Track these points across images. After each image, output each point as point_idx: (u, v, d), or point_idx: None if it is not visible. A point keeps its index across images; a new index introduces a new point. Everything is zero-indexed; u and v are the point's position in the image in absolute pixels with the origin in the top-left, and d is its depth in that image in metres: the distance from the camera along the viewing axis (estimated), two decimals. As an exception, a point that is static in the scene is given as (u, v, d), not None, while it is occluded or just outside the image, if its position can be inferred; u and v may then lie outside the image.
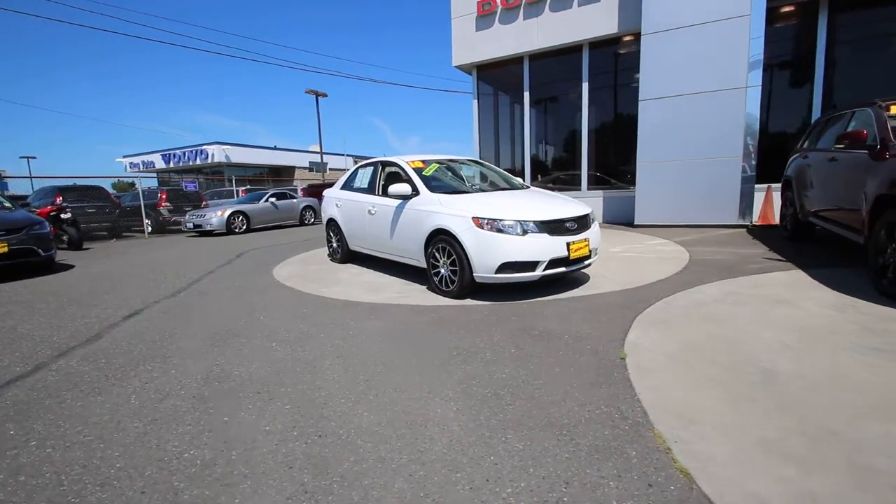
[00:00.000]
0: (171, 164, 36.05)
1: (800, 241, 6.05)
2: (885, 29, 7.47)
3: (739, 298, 3.75)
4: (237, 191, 18.71)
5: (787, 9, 7.54)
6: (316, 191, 17.16)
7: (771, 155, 7.82)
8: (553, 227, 3.96)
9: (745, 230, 7.46)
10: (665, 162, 8.15)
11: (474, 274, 4.01)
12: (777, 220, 7.58)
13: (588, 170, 9.82)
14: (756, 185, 7.65)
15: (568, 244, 3.97)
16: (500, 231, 3.88)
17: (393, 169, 5.32)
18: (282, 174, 37.86)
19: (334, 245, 6.52)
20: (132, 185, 26.56)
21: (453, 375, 2.57)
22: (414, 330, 3.43)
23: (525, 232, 3.86)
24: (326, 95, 28.50)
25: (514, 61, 10.35)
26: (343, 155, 42.84)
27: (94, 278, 6.38)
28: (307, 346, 3.21)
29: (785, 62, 8.11)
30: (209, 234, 12.55)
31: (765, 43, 7.27)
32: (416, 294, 4.51)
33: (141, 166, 37.74)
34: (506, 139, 11.20)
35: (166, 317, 4.13)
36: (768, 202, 7.77)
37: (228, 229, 12.37)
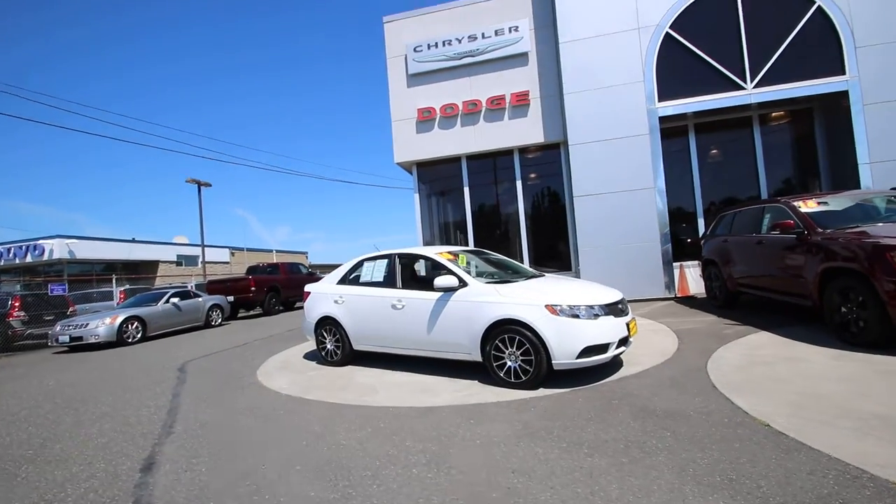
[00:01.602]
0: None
1: (731, 308, 7.41)
2: (728, 145, 10.24)
3: (763, 359, 4.44)
4: (115, 293, 15.60)
5: (670, 126, 9.86)
6: (220, 287, 15.26)
7: (675, 239, 9.66)
8: (614, 309, 4.29)
9: (674, 301, 8.85)
10: (601, 247, 9.45)
11: (553, 361, 4.05)
12: (692, 292, 9.21)
13: (529, 255, 10.77)
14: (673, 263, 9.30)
15: (627, 324, 4.31)
16: (575, 316, 4.06)
17: (419, 261, 5.24)
18: (140, 270, 32.71)
19: (329, 346, 5.88)
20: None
21: (660, 470, 2.53)
22: (543, 430, 3.26)
23: (597, 316, 4.11)
24: (210, 185, 26.54)
25: (453, 160, 11.32)
26: (219, 247, 39.23)
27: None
28: (475, 474, 2.81)
29: (675, 168, 10.40)
30: (88, 347, 10.04)
31: (662, 153, 9.35)
32: (478, 390, 4.30)
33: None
34: (448, 229, 11.78)
35: None
36: (683, 278, 9.43)
37: (119, 339, 10.10)
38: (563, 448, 2.87)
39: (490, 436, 3.17)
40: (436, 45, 10.86)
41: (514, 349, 4.22)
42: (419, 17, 11.17)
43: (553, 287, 4.56)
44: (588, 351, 4.01)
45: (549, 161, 10.95)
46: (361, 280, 5.77)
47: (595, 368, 4.50)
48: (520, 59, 10.53)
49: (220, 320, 13.17)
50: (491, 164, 11.37)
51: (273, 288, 15.89)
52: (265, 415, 4.13)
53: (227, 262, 40.61)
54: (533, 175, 11.12)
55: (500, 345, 4.31)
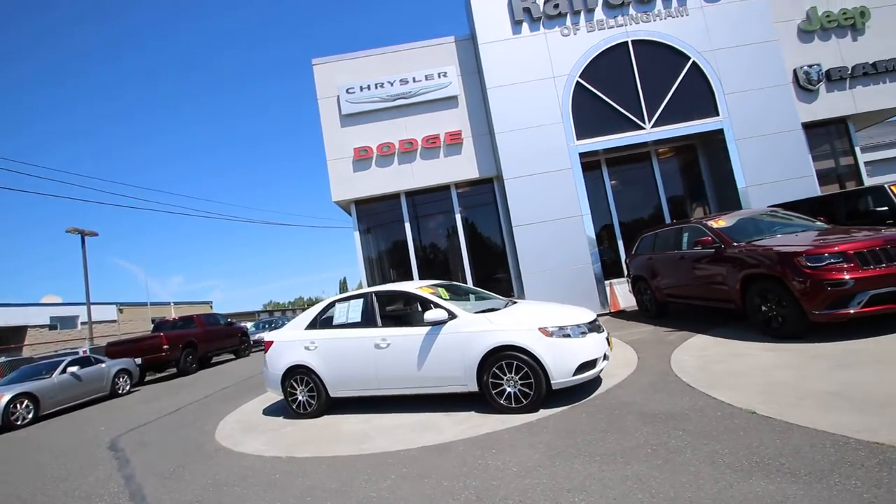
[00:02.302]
0: None
1: (662, 317, 8.34)
2: (634, 175, 11.71)
3: (715, 358, 5.09)
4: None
5: (588, 161, 11.04)
6: (122, 349, 13.28)
7: (601, 259, 10.67)
8: (595, 326, 4.66)
9: (609, 316, 9.70)
10: (543, 271, 10.12)
11: (552, 382, 4.25)
12: (622, 307, 10.19)
13: (472, 283, 11.10)
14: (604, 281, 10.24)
15: (607, 339, 4.70)
16: (567, 336, 4.34)
17: (398, 297, 5.19)
18: (4, 339, 27.20)
19: (302, 397, 5.49)
20: None
21: (696, 465, 2.80)
22: (570, 448, 3.40)
23: (584, 334, 4.44)
24: (97, 234, 23.37)
25: (393, 197, 11.43)
26: (105, 304, 34.22)
27: None
28: (537, 499, 2.81)
29: (595, 196, 11.54)
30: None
31: (585, 184, 10.42)
32: (480, 420, 4.33)
33: None
34: (390, 263, 11.71)
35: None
36: (613, 294, 10.40)
37: (6, 423, 8.30)
38: (599, 461, 3.04)
39: (523, 462, 3.23)
40: (368, 87, 11.10)
41: (513, 374, 4.36)
42: (349, 61, 11.37)
43: (537, 311, 4.83)
44: (582, 368, 4.29)
45: (484, 194, 11.59)
46: (335, 323, 5.54)
47: (581, 385, 4.78)
48: (450, 101, 11.17)
49: (128, 387, 11.43)
50: (429, 199, 11.69)
51: (189, 344, 14.25)
52: (262, 481, 3.72)
53: (114, 321, 35.50)
54: (470, 208, 11.64)
55: (497, 372, 4.42)
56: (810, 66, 11.05)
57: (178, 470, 4.38)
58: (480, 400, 4.77)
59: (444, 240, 11.71)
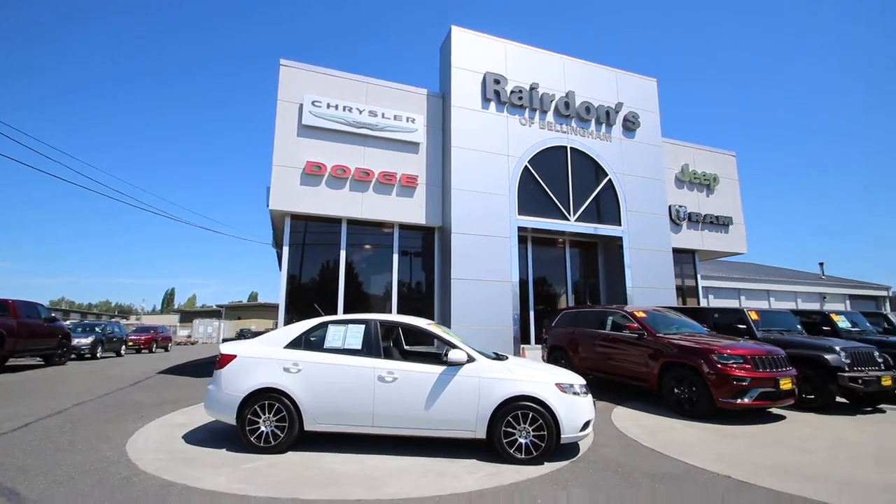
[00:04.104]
0: None
1: (573, 387, 9.38)
2: (550, 256, 13.34)
3: (653, 428, 6.02)
4: None
5: (521, 235, 12.28)
6: None
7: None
8: (587, 389, 5.20)
9: (521, 380, 10.48)
10: (472, 325, 10.57)
11: (563, 435, 4.56)
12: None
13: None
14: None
15: (593, 401, 5.26)
16: (576, 394, 4.77)
17: (408, 332, 5.03)
18: None
19: (266, 428, 4.74)
20: None
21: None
22: (613, 500, 3.69)
23: (586, 394, 4.92)
24: None
25: (334, 221, 10.93)
26: None
27: None
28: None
29: (519, 267, 12.70)
30: None
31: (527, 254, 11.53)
32: (493, 469, 4.34)
33: None
34: (316, 286, 10.87)
35: None
36: (524, 357, 11.30)
37: None
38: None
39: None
40: (336, 106, 10.84)
41: (527, 425, 4.56)
42: (320, 75, 11.05)
43: (544, 367, 5.19)
44: (585, 425, 4.72)
45: (424, 242, 11.85)
46: (327, 346, 5.04)
47: (563, 445, 5.19)
48: (412, 146, 11.52)
49: None
50: (368, 233, 11.48)
51: (-7, 338, 10.71)
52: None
53: None
54: (408, 252, 11.73)
55: (512, 421, 4.57)
56: (679, 206, 14.46)
57: (126, 507, 3.35)
58: (477, 447, 4.80)
59: (376, 275, 11.46)
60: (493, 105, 11.96)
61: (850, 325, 9.46)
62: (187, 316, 54.42)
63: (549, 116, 12.57)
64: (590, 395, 4.98)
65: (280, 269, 10.23)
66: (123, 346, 19.04)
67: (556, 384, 4.71)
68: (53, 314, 14.45)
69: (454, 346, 4.86)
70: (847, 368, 7.07)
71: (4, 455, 4.57)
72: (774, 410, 7.00)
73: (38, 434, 5.37)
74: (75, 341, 15.48)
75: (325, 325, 5.21)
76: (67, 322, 19.76)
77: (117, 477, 4.00)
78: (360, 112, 11.04)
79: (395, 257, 11.37)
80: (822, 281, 29.11)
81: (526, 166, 12.05)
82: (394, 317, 5.42)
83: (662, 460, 4.68)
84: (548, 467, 4.42)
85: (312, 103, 10.65)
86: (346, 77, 11.28)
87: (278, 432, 4.73)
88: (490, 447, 4.68)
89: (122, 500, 3.51)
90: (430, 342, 5.27)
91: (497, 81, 11.98)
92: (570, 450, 4.94)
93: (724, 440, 5.45)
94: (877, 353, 7.45)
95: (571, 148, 12.69)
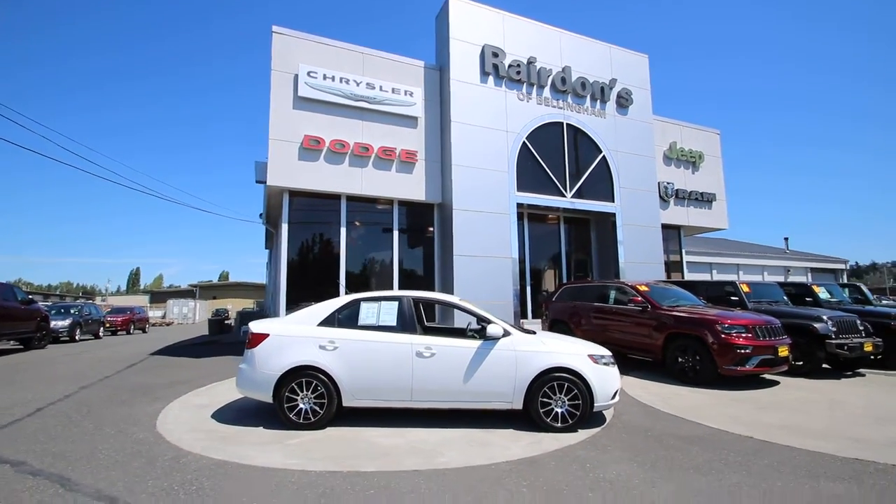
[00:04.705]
0: None
1: (574, 358, 9.73)
2: (545, 231, 13.53)
3: (663, 394, 6.36)
4: None
5: (518, 212, 12.38)
6: None
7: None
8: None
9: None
10: (474, 301, 10.67)
11: (595, 404, 4.77)
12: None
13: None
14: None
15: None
16: (606, 365, 4.97)
17: (442, 307, 5.07)
18: None
19: (305, 405, 4.75)
20: None
21: (763, 477, 3.64)
22: (660, 462, 3.91)
23: (614, 364, 5.13)
24: None
25: (333, 197, 10.70)
26: None
27: None
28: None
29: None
30: None
31: (523, 231, 11.64)
32: (532, 438, 4.50)
33: None
34: (315, 265, 10.71)
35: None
36: (521, 333, 11.59)
37: None
38: (694, 472, 3.63)
39: (631, 474, 3.60)
40: (333, 78, 10.46)
41: (562, 395, 4.74)
42: (316, 44, 10.59)
43: (572, 340, 5.36)
44: (615, 394, 4.94)
45: (424, 218, 11.79)
46: (361, 323, 5.04)
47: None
48: (411, 120, 11.30)
49: None
50: (368, 210, 11.32)
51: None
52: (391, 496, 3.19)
53: None
54: (408, 229, 11.66)
55: (548, 391, 4.73)
56: (668, 183, 14.84)
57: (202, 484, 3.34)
58: (510, 418, 4.97)
59: (377, 252, 11.37)
60: (491, 79, 11.79)
61: (829, 296, 10.11)
62: (158, 297, 52.68)
63: (546, 92, 12.52)
64: (616, 366, 5.20)
65: (269, 248, 10.04)
66: (102, 328, 18.33)
67: (589, 355, 4.89)
68: (31, 296, 13.73)
69: (490, 322, 4.96)
70: (833, 336, 7.59)
71: (31, 442, 4.43)
72: (768, 376, 7.47)
73: (58, 419, 5.20)
74: (53, 324, 14.81)
75: (356, 302, 5.20)
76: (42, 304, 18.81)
77: (165, 458, 3.95)
78: (358, 84, 10.70)
79: (396, 234, 11.29)
80: (786, 255, 30.72)
81: (524, 142, 12.04)
82: (425, 293, 5.46)
83: (685, 424, 4.97)
84: (582, 434, 4.62)
85: (308, 74, 10.23)
86: (341, 46, 10.85)
87: (317, 409, 4.75)
88: (524, 417, 4.85)
89: (182, 480, 3.48)
90: (451, 317, 5.32)
91: (495, 54, 11.78)
92: (598, 418, 5.17)
93: (731, 404, 5.82)
94: (858, 322, 8.03)
95: (567, 124, 12.73)
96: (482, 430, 4.74)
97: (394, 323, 5.04)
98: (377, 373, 4.82)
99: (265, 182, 12.92)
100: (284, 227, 10.21)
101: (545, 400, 4.74)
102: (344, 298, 5.26)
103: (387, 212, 11.37)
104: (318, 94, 10.30)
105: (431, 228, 11.78)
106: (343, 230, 10.76)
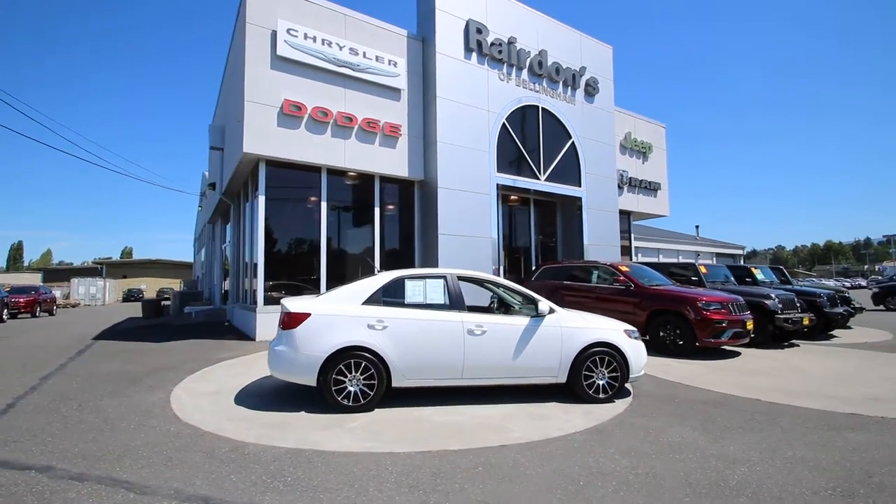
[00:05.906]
0: None
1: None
2: (516, 212, 13.88)
3: (660, 366, 6.98)
4: None
5: (504, 194, 12.53)
6: None
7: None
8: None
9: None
10: (457, 281, 10.76)
11: (631, 376, 5.12)
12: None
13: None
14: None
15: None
16: (636, 339, 5.33)
17: (488, 285, 5.08)
18: None
19: (353, 387, 4.56)
20: None
21: (796, 434, 4.19)
22: (708, 426, 4.32)
23: (641, 338, 5.51)
24: None
25: (313, 170, 10.02)
26: None
27: None
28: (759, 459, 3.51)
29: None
30: None
31: (497, 211, 11.81)
32: (583, 410, 4.71)
33: None
34: (293, 242, 10.02)
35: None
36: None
37: None
38: (743, 432, 4.09)
39: (693, 437, 3.97)
40: (314, 39, 9.67)
41: (604, 368, 5.02)
42: (296, -1, 9.68)
43: (603, 317, 5.64)
44: (644, 366, 5.33)
45: (404, 194, 11.50)
46: (408, 301, 4.89)
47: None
48: (395, 92, 10.85)
49: None
50: (347, 184, 10.79)
51: None
52: (492, 472, 3.17)
53: None
54: (389, 205, 11.32)
55: (591, 365, 4.98)
56: (623, 171, 15.86)
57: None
58: (551, 391, 5.17)
59: (357, 229, 10.92)
60: (474, 56, 11.65)
61: (762, 277, 11.61)
62: (53, 275, 46.03)
63: (524, 74, 12.66)
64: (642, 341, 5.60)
65: (217, 223, 9.20)
66: (5, 311, 15.71)
67: (625, 330, 5.21)
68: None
69: (538, 300, 5.07)
70: (780, 311, 8.78)
71: (37, 443, 3.78)
72: (729, 347, 8.49)
73: (45, 415, 4.48)
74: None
75: (400, 280, 5.03)
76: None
77: (221, 451, 3.60)
78: (341, 48, 10.01)
79: (377, 211, 10.92)
80: (697, 241, 34.49)
81: (504, 123, 12.14)
82: (468, 271, 5.40)
83: (699, 392, 5.52)
84: (621, 404, 4.96)
85: (288, 31, 9.35)
86: (322, 4, 10.02)
87: (367, 390, 4.58)
88: (565, 390, 5.08)
89: (265, 472, 3.21)
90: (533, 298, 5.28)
91: (479, 31, 11.63)
92: (623, 390, 5.55)
93: (717, 372, 6.55)
94: (795, 299, 9.34)
95: (542, 108, 13.02)
96: (531, 404, 4.89)
97: (442, 301, 4.96)
98: (429, 352, 4.74)
99: (222, 149, 11.85)
100: (261, 200, 9.41)
101: (587, 373, 4.99)
102: (386, 276, 5.05)
103: (368, 187, 10.92)
104: (298, 54, 9.49)
105: (412, 205, 11.55)
106: (324, 204, 10.17)
